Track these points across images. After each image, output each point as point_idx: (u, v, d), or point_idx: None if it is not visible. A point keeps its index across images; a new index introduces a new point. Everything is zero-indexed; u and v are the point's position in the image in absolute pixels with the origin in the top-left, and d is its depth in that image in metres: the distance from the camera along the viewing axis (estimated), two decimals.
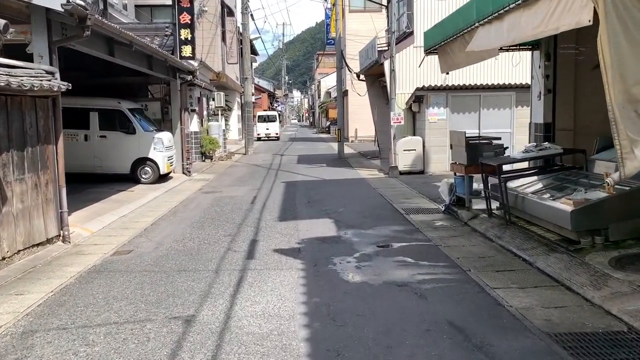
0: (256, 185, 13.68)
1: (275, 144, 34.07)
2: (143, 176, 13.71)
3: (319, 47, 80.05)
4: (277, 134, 39.06)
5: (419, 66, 9.48)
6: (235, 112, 33.69)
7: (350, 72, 20.94)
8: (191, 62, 17.20)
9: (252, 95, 45.00)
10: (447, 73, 8.95)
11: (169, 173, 14.83)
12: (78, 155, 13.46)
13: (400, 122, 14.83)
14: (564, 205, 6.17)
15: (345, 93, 31.41)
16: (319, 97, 70.76)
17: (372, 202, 10.75)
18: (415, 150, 15.00)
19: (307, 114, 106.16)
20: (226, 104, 32.64)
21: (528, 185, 8.00)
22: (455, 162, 9.05)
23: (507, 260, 6.25)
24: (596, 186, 6.89)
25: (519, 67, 15.89)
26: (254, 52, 40.06)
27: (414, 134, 15.96)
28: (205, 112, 22.14)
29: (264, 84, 66.73)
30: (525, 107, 14.97)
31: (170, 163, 14.43)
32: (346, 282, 5.53)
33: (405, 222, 8.72)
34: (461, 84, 14.97)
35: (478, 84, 15.03)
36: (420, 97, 15.14)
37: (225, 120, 33.01)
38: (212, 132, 22.20)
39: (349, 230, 8.09)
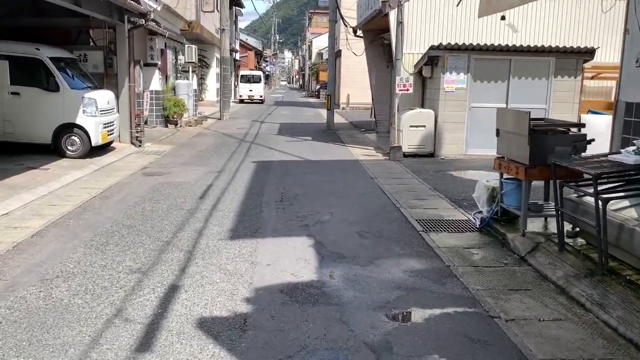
0: (218, 166, 10.44)
1: (258, 107, 30.60)
2: (69, 148, 10.40)
3: (313, 5, 75.50)
4: (261, 96, 35.46)
5: (457, 5, 6.18)
6: (214, 70, 30.04)
7: (346, 26, 17.49)
8: (147, 1, 13.67)
9: (236, 52, 41.25)
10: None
11: (108, 144, 11.53)
12: None
13: (408, 90, 11.56)
14: None
15: (339, 53, 27.93)
16: (310, 59, 66.85)
17: (371, 204, 7.61)
18: (424, 127, 11.79)
19: (297, 76, 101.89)
20: (203, 60, 29.02)
21: (628, 206, 4.88)
22: (505, 158, 5.90)
23: None
24: None
25: (561, 27, 12.71)
26: (238, 3, 36.10)
27: (423, 106, 12.74)
28: (171, 68, 18.64)
29: (252, 41, 62.48)
30: (567, 77, 11.81)
31: (109, 131, 11.10)
32: None
33: (425, 249, 5.60)
34: (488, 44, 11.67)
35: (510, 44, 11.72)
36: (434, 59, 11.85)
37: (202, 78, 29.49)
38: (179, 92, 18.77)
39: (336, 269, 4.95)
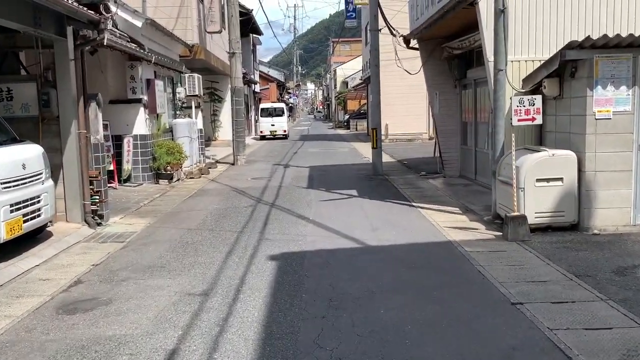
0: (207, 273, 5.68)
1: (281, 145, 26.05)
2: None
3: (335, 34, 72.15)
4: (285, 131, 31.06)
5: None
6: (229, 105, 25.75)
7: (394, 35, 12.85)
8: (110, 5, 9.17)
9: (255, 84, 37.08)
10: None
11: (36, 231, 6.93)
12: None
13: (534, 119, 6.73)
14: None
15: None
16: (335, 87, 62.98)
17: None
18: (561, 180, 6.89)
19: (321, 106, 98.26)
20: (214, 93, 24.82)
21: None
22: None
23: None
24: None
25: None
26: (254, 29, 32.03)
27: (542, 143, 7.87)
28: (165, 104, 14.19)
29: (273, 73, 58.81)
30: None
31: (28, 215, 6.50)
32: None
33: None
34: None
35: None
36: (568, 66, 7.02)
37: (214, 115, 25.21)
38: (178, 135, 14.35)
39: None
